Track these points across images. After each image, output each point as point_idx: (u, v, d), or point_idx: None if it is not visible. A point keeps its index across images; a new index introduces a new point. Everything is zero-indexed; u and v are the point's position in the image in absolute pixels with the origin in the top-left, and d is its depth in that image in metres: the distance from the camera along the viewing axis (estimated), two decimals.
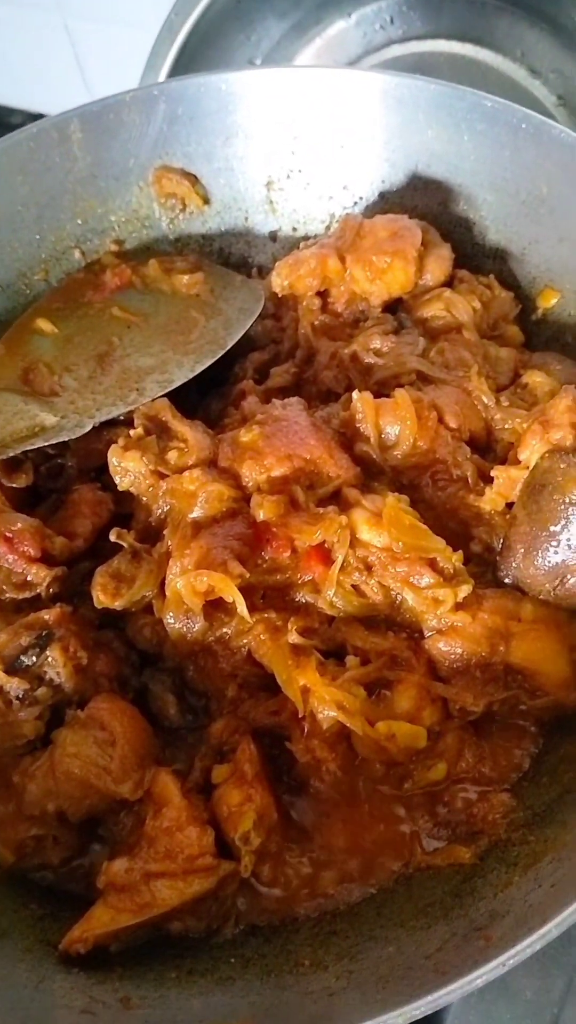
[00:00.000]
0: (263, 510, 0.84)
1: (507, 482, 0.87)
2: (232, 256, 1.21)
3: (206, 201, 1.17)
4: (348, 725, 0.80)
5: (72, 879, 0.85)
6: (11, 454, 0.94)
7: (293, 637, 0.83)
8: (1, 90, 2.02)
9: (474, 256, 1.09)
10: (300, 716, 0.82)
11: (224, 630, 0.85)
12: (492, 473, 0.87)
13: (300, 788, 0.85)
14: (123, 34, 1.69)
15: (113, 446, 0.91)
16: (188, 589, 0.82)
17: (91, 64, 1.86)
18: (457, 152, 1.04)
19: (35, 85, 1.98)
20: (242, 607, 0.80)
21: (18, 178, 1.09)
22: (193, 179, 1.15)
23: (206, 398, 1.06)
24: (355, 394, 0.91)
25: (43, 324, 1.07)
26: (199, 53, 1.45)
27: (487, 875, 0.77)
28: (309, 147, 1.12)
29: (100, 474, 0.99)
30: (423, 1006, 0.60)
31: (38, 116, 2.00)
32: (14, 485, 0.96)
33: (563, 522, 0.82)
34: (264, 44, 1.44)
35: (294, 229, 1.19)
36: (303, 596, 0.86)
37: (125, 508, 0.96)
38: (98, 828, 0.85)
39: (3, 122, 2.09)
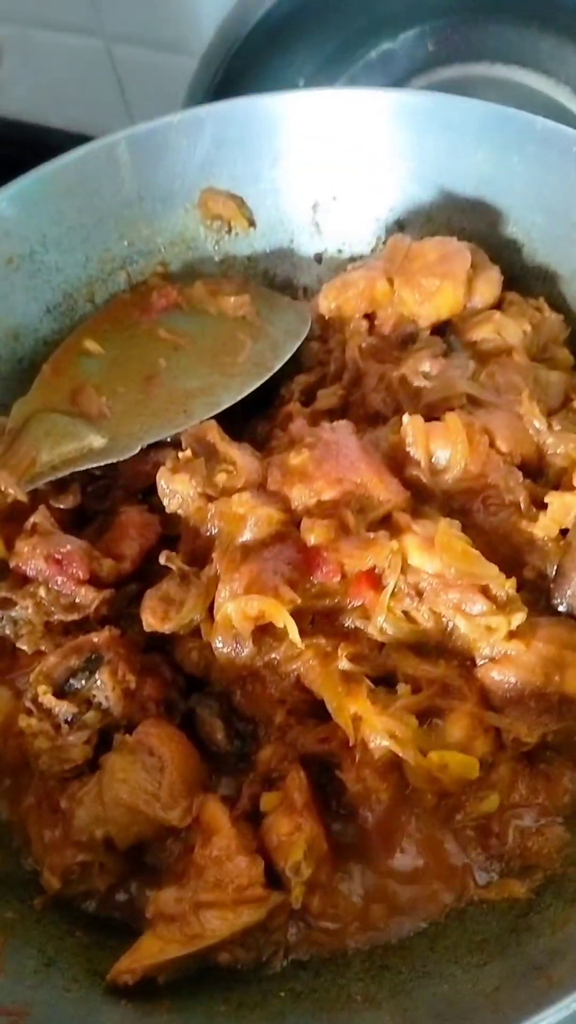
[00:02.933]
0: (314, 534, 0.83)
1: (561, 508, 0.85)
2: (277, 277, 1.21)
3: (252, 223, 1.17)
4: (400, 755, 0.79)
5: (117, 907, 0.84)
6: (61, 475, 0.94)
7: (343, 663, 0.82)
8: (42, 111, 2.04)
9: (523, 278, 1.08)
10: (351, 744, 0.80)
11: (273, 655, 0.85)
12: (546, 499, 0.86)
13: (349, 817, 0.84)
14: (165, 58, 1.71)
15: (162, 468, 0.91)
16: (239, 614, 0.81)
17: (132, 87, 1.87)
18: (507, 174, 1.04)
19: (76, 107, 1.99)
20: (294, 633, 0.80)
21: (66, 200, 1.10)
22: (239, 201, 1.15)
23: (252, 420, 1.06)
24: (405, 417, 0.90)
25: (91, 345, 1.08)
26: (242, 77, 1.46)
27: (544, 911, 0.75)
28: (356, 169, 1.12)
29: (147, 495, 0.99)
30: None
31: (78, 137, 2.02)
32: (62, 506, 0.97)
33: None
34: (307, 68, 1.45)
35: (339, 251, 1.19)
36: (353, 621, 0.85)
37: (172, 530, 0.95)
38: (144, 856, 0.84)
39: (43, 142, 2.10)
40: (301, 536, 0.85)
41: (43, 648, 0.88)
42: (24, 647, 0.88)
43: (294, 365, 1.07)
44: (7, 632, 0.89)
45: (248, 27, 1.41)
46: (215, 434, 0.94)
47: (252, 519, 0.86)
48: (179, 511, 0.91)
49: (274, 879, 0.79)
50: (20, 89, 2.03)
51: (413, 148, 1.08)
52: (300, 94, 1.10)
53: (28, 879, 0.85)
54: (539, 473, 0.93)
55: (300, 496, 0.87)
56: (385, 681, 0.84)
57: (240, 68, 1.46)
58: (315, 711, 0.85)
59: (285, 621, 0.80)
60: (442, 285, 1.00)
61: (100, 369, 1.06)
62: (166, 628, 0.86)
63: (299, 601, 0.81)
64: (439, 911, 0.80)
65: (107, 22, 1.75)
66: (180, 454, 0.92)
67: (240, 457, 0.91)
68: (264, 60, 1.45)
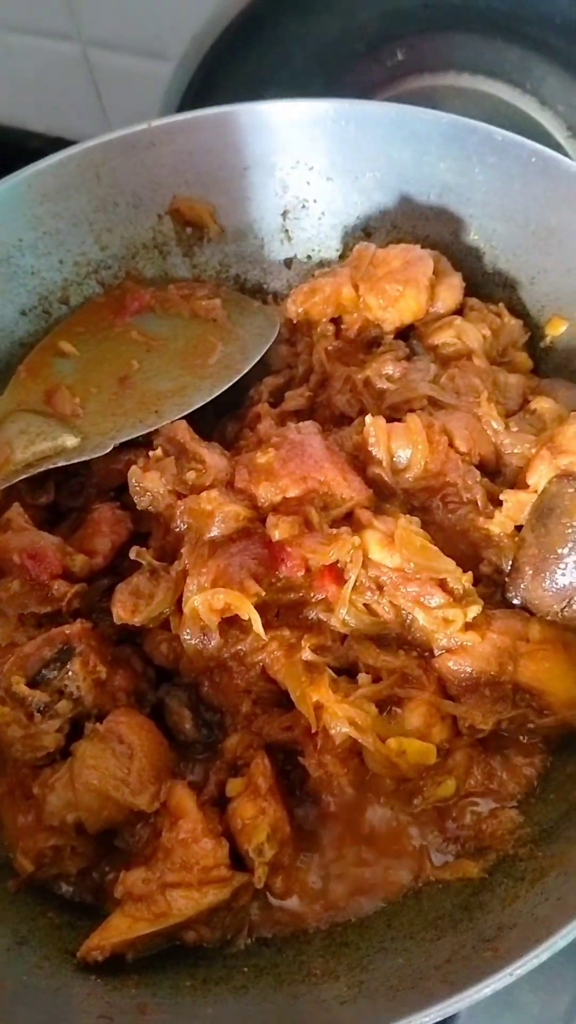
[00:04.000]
0: (278, 530, 0.86)
1: (516, 505, 0.89)
2: (248, 282, 1.24)
3: (223, 229, 1.20)
4: (360, 741, 0.82)
5: (87, 890, 0.87)
6: (35, 473, 0.97)
7: (307, 654, 0.85)
8: (21, 115, 2.06)
9: (484, 285, 1.11)
10: (313, 732, 0.84)
11: (239, 647, 0.88)
12: (501, 497, 0.90)
13: (312, 802, 0.88)
14: (142, 62, 1.73)
15: (133, 467, 0.94)
16: (205, 606, 0.84)
17: (109, 91, 1.89)
18: (469, 184, 1.08)
19: (54, 110, 2.01)
20: (258, 625, 0.83)
21: (42, 206, 1.12)
22: (211, 208, 1.18)
23: (222, 420, 1.09)
24: (368, 418, 0.93)
25: (65, 346, 1.10)
26: (217, 83, 1.49)
27: (495, 889, 0.78)
28: (324, 178, 1.16)
29: (119, 493, 1.02)
30: (432, 1014, 0.62)
31: (57, 140, 2.05)
32: (37, 503, 0.99)
33: (571, 545, 0.84)
34: (281, 75, 1.47)
35: (308, 256, 1.22)
36: (316, 614, 0.88)
37: (142, 527, 0.98)
38: (114, 839, 0.87)
39: (22, 146, 2.12)
40: (267, 532, 0.87)
41: (16, 640, 0.90)
42: None
43: (263, 367, 1.10)
44: None
45: (222, 34, 1.44)
46: (185, 434, 0.96)
47: (220, 515, 0.89)
48: (150, 508, 0.94)
49: (238, 861, 0.82)
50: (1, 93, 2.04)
51: (379, 157, 1.11)
52: (270, 105, 1.12)
53: (1, 863, 0.87)
54: (497, 472, 0.96)
55: (266, 493, 0.90)
56: (347, 671, 0.88)
57: (215, 75, 1.49)
58: (279, 700, 0.88)
59: (250, 613, 0.83)
60: (405, 291, 1.03)
61: (74, 370, 1.08)
62: (136, 621, 0.89)
63: (263, 594, 0.84)
64: (397, 891, 0.83)
65: (84, 27, 1.76)
66: (151, 453, 0.94)
67: (209, 456, 0.94)
68: (238, 67, 1.48)
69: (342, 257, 1.20)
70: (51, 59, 1.89)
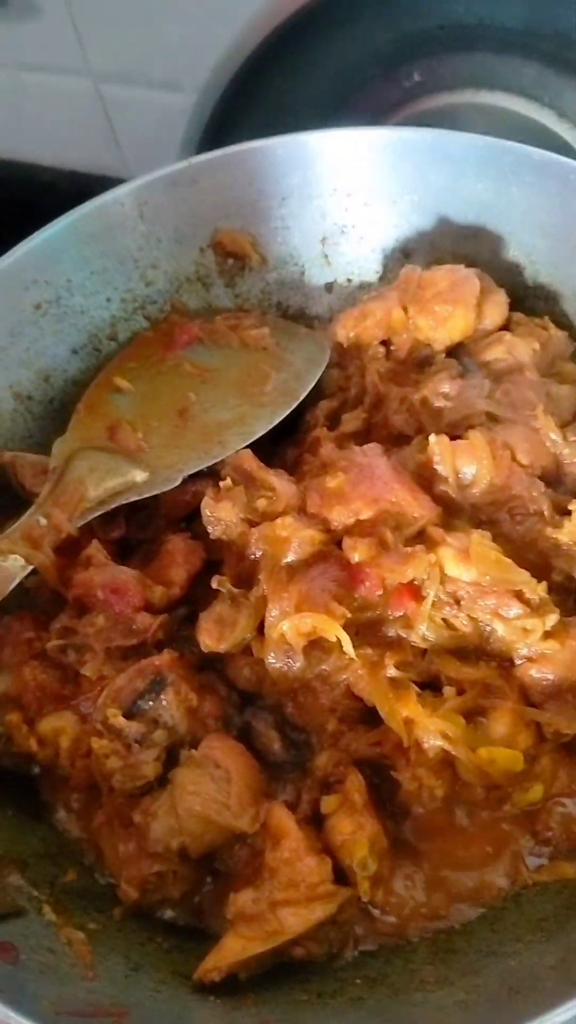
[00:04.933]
0: (357, 552, 0.89)
1: None
2: (290, 308, 1.27)
3: (264, 259, 1.23)
4: (453, 752, 0.84)
5: (189, 913, 0.90)
6: (108, 509, 1.00)
7: (391, 671, 0.87)
8: (34, 150, 2.09)
9: (526, 299, 1.14)
10: (405, 746, 0.86)
11: (323, 667, 0.90)
12: (570, 507, 0.92)
13: (403, 814, 0.90)
14: (154, 95, 1.76)
15: (206, 498, 0.96)
16: (293, 631, 0.87)
17: (122, 124, 1.92)
18: (506, 202, 1.11)
19: (67, 145, 2.04)
20: (348, 645, 0.85)
21: (89, 247, 1.15)
22: (252, 239, 1.21)
23: (280, 446, 1.11)
24: (432, 437, 0.96)
25: (120, 382, 1.13)
26: (237, 114, 1.52)
27: None
28: (362, 203, 1.19)
29: (189, 523, 1.04)
30: (561, 1012, 0.64)
31: (71, 173, 2.08)
32: (110, 538, 1.02)
33: None
34: (300, 102, 1.51)
35: (349, 280, 1.25)
36: (395, 631, 0.90)
37: (214, 555, 1.01)
38: (213, 863, 0.89)
39: (35, 180, 2.16)
40: (343, 554, 0.90)
41: (105, 673, 0.93)
42: (88, 673, 0.93)
43: (316, 392, 1.12)
44: (71, 660, 0.94)
45: (242, 64, 1.47)
46: (252, 462, 0.99)
47: (296, 541, 0.91)
48: (223, 536, 0.96)
49: (340, 877, 0.84)
50: (10, 129, 2.07)
51: (416, 181, 1.15)
52: (305, 136, 1.15)
53: (104, 892, 0.90)
54: (558, 482, 0.98)
55: (339, 517, 0.92)
56: (429, 685, 0.90)
57: (236, 104, 1.53)
58: (364, 717, 0.91)
59: (338, 634, 0.85)
60: (454, 311, 1.06)
61: (132, 405, 1.10)
62: (222, 648, 0.91)
63: (349, 615, 0.86)
64: (496, 896, 0.85)
65: (95, 62, 1.80)
66: (222, 483, 0.97)
67: (278, 483, 0.96)
68: (259, 96, 1.52)
69: (382, 279, 1.23)
70: (63, 94, 1.92)
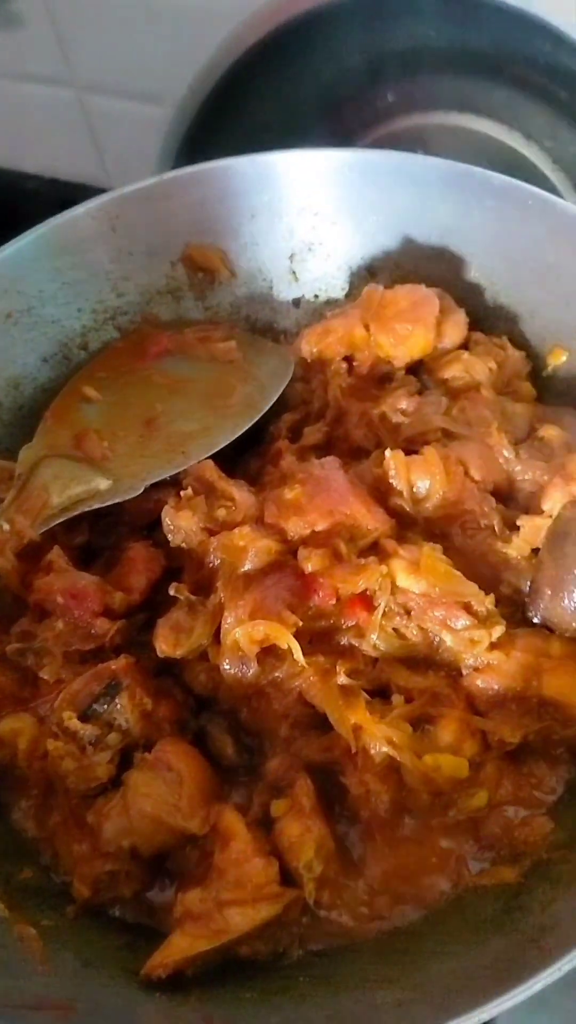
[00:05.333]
0: (311, 563, 0.91)
1: (532, 530, 0.94)
2: (258, 322, 1.29)
3: (233, 273, 1.25)
4: (398, 759, 0.87)
5: (141, 912, 0.91)
6: (71, 515, 1.02)
7: (342, 679, 0.89)
8: (18, 158, 2.11)
9: (486, 319, 1.17)
10: (353, 752, 0.88)
11: (276, 674, 0.92)
12: (518, 522, 0.95)
13: (350, 819, 0.92)
14: (136, 106, 1.78)
15: (166, 507, 0.98)
16: (246, 638, 0.89)
17: (104, 134, 1.94)
18: (469, 225, 1.13)
19: (50, 153, 2.06)
20: (298, 653, 0.87)
21: (61, 258, 1.17)
22: (222, 254, 1.23)
23: (243, 457, 1.13)
24: (388, 452, 0.98)
25: (89, 392, 1.14)
26: (214, 128, 1.55)
27: (533, 892, 0.83)
28: (329, 222, 1.21)
29: (150, 531, 1.06)
30: (489, 1010, 0.67)
31: (52, 181, 2.10)
32: (72, 544, 1.04)
33: None
34: (276, 119, 1.54)
35: (316, 296, 1.28)
36: (347, 640, 0.92)
37: (174, 563, 1.03)
38: (164, 863, 0.91)
39: (19, 187, 2.18)
40: (299, 564, 0.92)
41: (63, 676, 0.95)
42: (46, 676, 0.95)
43: (280, 405, 1.15)
44: (30, 663, 0.96)
45: (218, 81, 1.50)
46: (213, 473, 1.01)
47: (253, 550, 0.94)
48: (183, 545, 0.98)
49: (286, 878, 0.86)
50: None
51: (381, 202, 1.17)
52: (274, 155, 1.18)
53: (59, 890, 0.91)
54: (510, 498, 1.01)
55: (295, 528, 0.94)
56: (380, 693, 0.92)
57: (213, 119, 1.55)
58: (316, 723, 0.92)
59: (289, 643, 0.87)
60: (414, 329, 1.09)
61: (100, 414, 1.12)
62: (178, 653, 0.93)
63: (301, 624, 0.88)
64: (438, 898, 0.87)
65: (79, 73, 1.82)
66: (183, 493, 0.99)
67: (238, 493, 0.98)
68: (235, 112, 1.54)
69: (348, 296, 1.26)
70: (46, 104, 1.93)
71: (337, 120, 1.54)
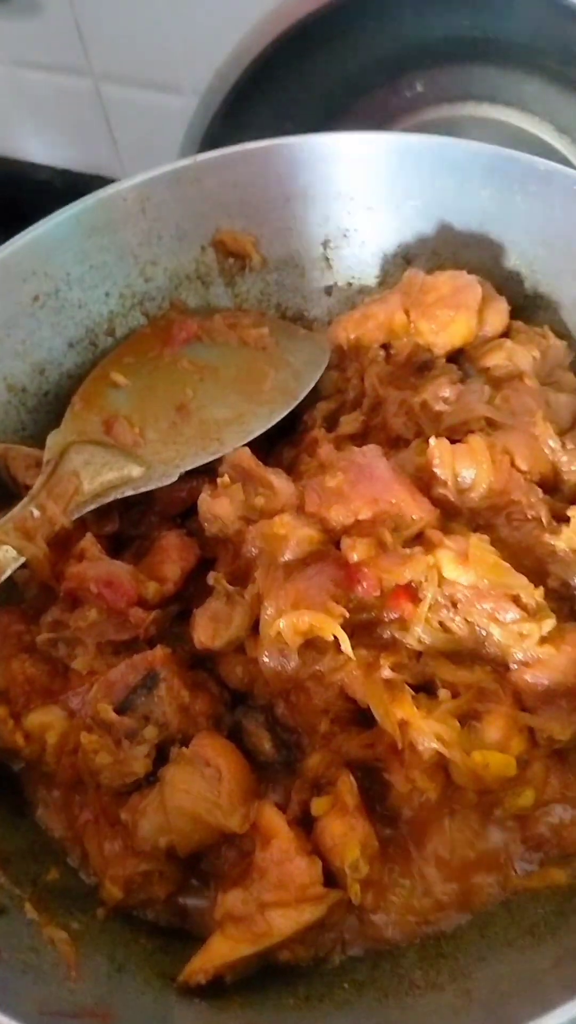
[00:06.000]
0: (356, 552, 0.88)
1: None
2: (289, 310, 1.26)
3: (264, 260, 1.22)
4: (447, 755, 0.83)
5: (174, 915, 0.88)
6: (104, 503, 0.98)
7: (386, 672, 0.86)
8: (30, 148, 2.08)
9: (526, 308, 1.14)
10: (399, 748, 0.85)
11: (317, 667, 0.88)
12: (568, 512, 0.92)
13: (394, 818, 0.89)
14: (153, 97, 1.76)
15: (202, 495, 0.96)
16: (290, 629, 0.85)
17: (120, 125, 1.91)
18: (510, 211, 1.11)
19: (64, 144, 2.03)
20: (346, 644, 0.84)
21: (89, 240, 1.14)
22: (253, 240, 1.20)
23: (276, 446, 1.11)
24: (432, 440, 0.95)
25: (117, 377, 1.12)
26: (237, 119, 1.52)
27: None
28: (365, 208, 1.18)
29: (183, 520, 1.04)
30: (558, 1016, 0.64)
31: (65, 172, 2.07)
32: (103, 532, 1.01)
33: None
34: (301, 109, 1.51)
35: (349, 284, 1.25)
36: (391, 633, 0.89)
37: (208, 552, 1.00)
38: (200, 864, 0.88)
39: (30, 178, 2.15)
40: (341, 554, 0.89)
41: (96, 668, 0.92)
42: (78, 667, 0.92)
43: (314, 394, 1.12)
44: (61, 653, 0.93)
45: (246, 69, 1.48)
46: (250, 460, 0.98)
47: (293, 539, 0.91)
48: (219, 534, 0.96)
49: (329, 879, 0.83)
50: (6, 126, 2.07)
51: (420, 187, 1.14)
52: (311, 138, 1.15)
53: (88, 892, 0.89)
54: (556, 489, 0.98)
55: (338, 516, 0.91)
56: (424, 688, 0.89)
57: (237, 110, 1.53)
58: (357, 719, 0.90)
59: (336, 633, 0.84)
60: (456, 316, 1.06)
61: (129, 400, 1.10)
62: (216, 645, 0.90)
63: (347, 615, 0.85)
64: (485, 901, 0.84)
65: (95, 62, 1.79)
66: (219, 480, 0.96)
67: (277, 481, 0.96)
68: (261, 101, 1.51)
69: (381, 284, 1.23)
70: (62, 93, 1.91)
71: (365, 110, 1.52)
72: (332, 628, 0.84)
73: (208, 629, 0.90)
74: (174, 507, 1.04)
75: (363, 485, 0.93)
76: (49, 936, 0.81)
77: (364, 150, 1.14)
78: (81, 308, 1.17)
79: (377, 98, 1.51)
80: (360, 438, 1.06)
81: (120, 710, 0.87)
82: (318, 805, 0.86)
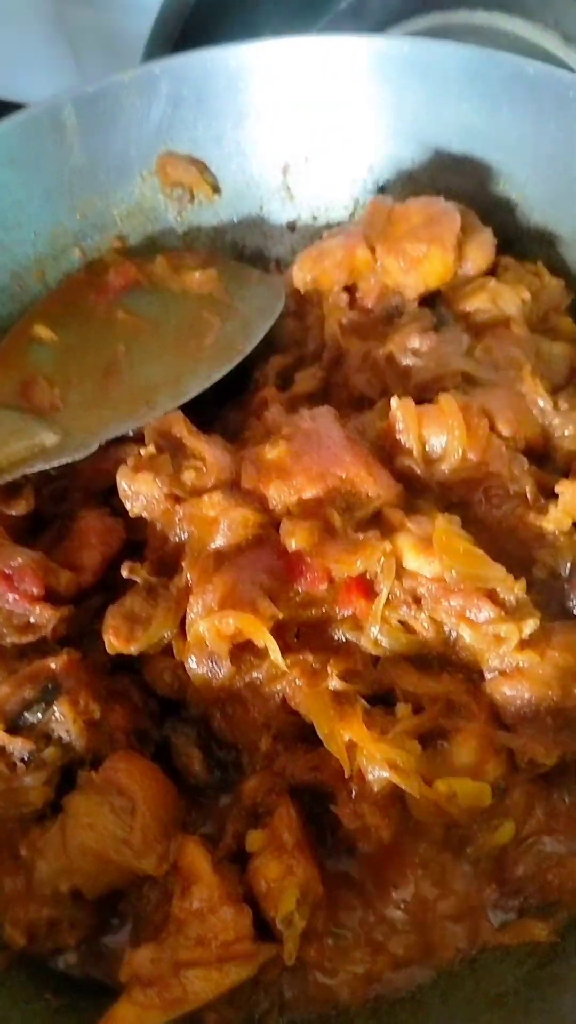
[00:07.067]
0: (295, 538, 0.76)
1: (573, 498, 0.78)
2: (247, 249, 1.13)
3: (216, 190, 1.09)
4: (402, 787, 0.71)
5: (88, 962, 0.77)
6: (9, 479, 0.85)
7: (334, 682, 0.75)
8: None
9: (518, 241, 1.01)
10: (347, 776, 0.72)
11: (254, 674, 0.77)
12: (556, 488, 0.80)
13: (346, 852, 0.77)
14: (119, 19, 1.62)
15: (122, 467, 0.83)
16: (213, 632, 0.74)
17: (87, 52, 1.78)
18: (495, 126, 0.97)
19: (29, 77, 1.90)
20: (275, 654, 0.72)
21: (10, 172, 1.01)
22: (202, 166, 1.07)
23: (223, 408, 0.99)
24: (394, 401, 0.83)
25: (41, 331, 1.00)
26: (202, 32, 1.36)
27: (570, 958, 0.68)
28: (329, 126, 1.04)
29: (109, 497, 0.91)
30: None
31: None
32: (13, 512, 0.88)
33: None
34: (274, 20, 1.35)
35: (314, 217, 1.12)
36: (343, 633, 0.78)
37: (137, 535, 0.87)
38: (118, 903, 0.77)
39: None
40: (281, 540, 0.77)
41: None
42: None
43: (268, 346, 1.00)
44: None
45: None
46: (182, 427, 0.86)
47: (225, 522, 0.79)
48: (144, 514, 0.83)
49: (263, 926, 0.71)
50: None
51: (392, 101, 1.00)
52: (264, 44, 1.01)
53: None
54: (546, 459, 0.87)
55: (278, 494, 0.79)
56: (382, 700, 0.77)
57: (200, 23, 1.37)
58: (304, 734, 0.78)
59: (265, 640, 0.72)
60: (429, 251, 0.93)
61: (52, 358, 0.98)
62: (132, 649, 0.78)
63: (280, 615, 0.74)
64: (450, 958, 0.73)
65: None
66: (143, 450, 0.83)
67: (210, 452, 0.83)
68: (225, 18, 1.35)
69: (353, 217, 1.10)
70: (23, 19, 1.78)
71: (345, 20, 1.35)
72: (261, 633, 0.73)
73: (122, 630, 0.78)
74: (99, 482, 0.92)
75: (309, 456, 0.80)
76: None
77: (325, 57, 1.00)
78: (4, 251, 1.05)
79: (360, 5, 1.34)
80: (319, 398, 0.95)
81: (13, 729, 0.75)
82: (252, 840, 0.75)
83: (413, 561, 0.75)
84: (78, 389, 0.93)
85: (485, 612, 0.74)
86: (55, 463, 0.87)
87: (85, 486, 0.92)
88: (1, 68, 1.91)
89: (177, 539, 0.82)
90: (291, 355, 1.00)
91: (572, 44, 1.28)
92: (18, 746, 0.74)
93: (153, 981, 0.68)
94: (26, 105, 1.94)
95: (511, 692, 0.74)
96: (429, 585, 0.75)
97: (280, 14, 1.37)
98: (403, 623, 0.77)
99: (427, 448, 0.82)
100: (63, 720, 0.75)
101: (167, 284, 1.03)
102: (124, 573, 0.79)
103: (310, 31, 1.37)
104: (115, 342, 0.98)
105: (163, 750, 0.82)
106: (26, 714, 0.75)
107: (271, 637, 0.72)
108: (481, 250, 0.95)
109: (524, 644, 0.74)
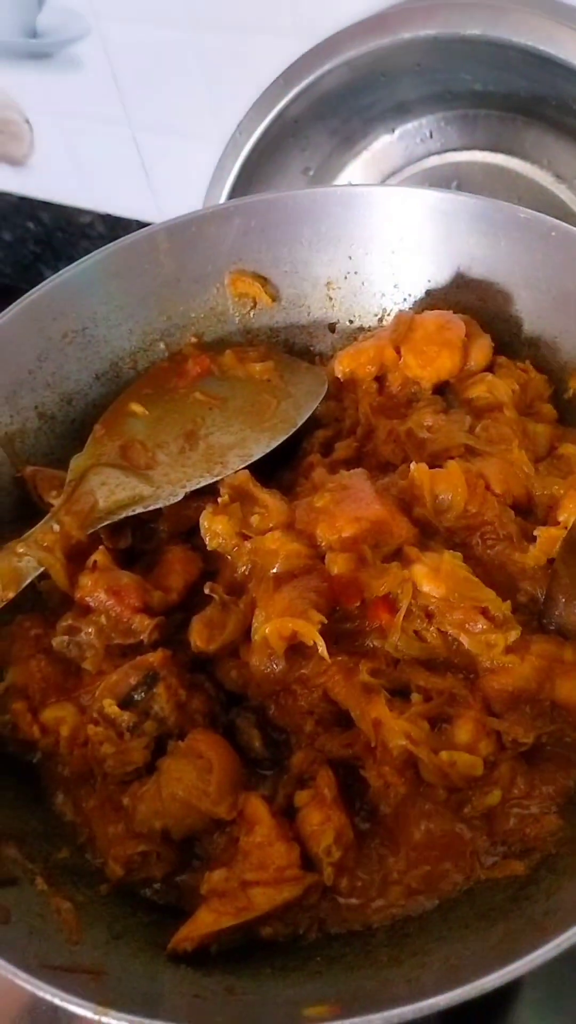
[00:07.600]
0: (336, 566, 0.96)
1: (548, 540, 0.98)
2: (296, 345, 1.35)
3: (274, 299, 1.32)
4: (415, 753, 0.91)
5: (169, 894, 0.96)
6: (116, 519, 1.08)
7: (364, 677, 0.94)
8: (73, 192, 2.22)
9: (511, 344, 1.22)
10: (372, 746, 0.92)
11: (303, 671, 0.97)
12: (535, 532, 0.99)
13: (371, 813, 0.96)
14: (186, 145, 1.88)
15: (204, 512, 1.04)
16: (274, 634, 0.94)
17: (156, 171, 2.03)
18: (495, 256, 1.19)
19: (105, 189, 2.16)
20: (323, 648, 0.92)
21: (114, 283, 1.25)
22: (263, 280, 1.30)
23: (278, 470, 1.19)
24: (412, 465, 1.03)
25: (135, 407, 1.22)
26: (259, 166, 1.63)
27: (539, 883, 0.86)
28: (364, 253, 1.27)
29: (189, 536, 1.12)
30: (492, 981, 0.71)
31: (106, 216, 2.21)
32: (117, 547, 1.11)
33: None
34: (317, 156, 1.61)
35: (350, 321, 1.34)
36: (371, 641, 0.97)
37: (210, 566, 1.09)
38: (194, 847, 0.96)
39: (73, 222, 2.29)
40: (326, 568, 0.97)
41: (104, 669, 1.01)
42: (88, 667, 1.01)
43: (313, 422, 1.21)
44: (74, 655, 1.03)
45: (267, 122, 1.59)
46: (249, 482, 1.07)
47: (283, 554, 0.99)
48: (218, 548, 1.04)
49: (308, 864, 0.90)
50: (52, 172, 2.21)
51: (414, 235, 1.23)
52: (314, 191, 1.26)
53: (94, 871, 0.97)
54: (529, 511, 1.05)
55: (324, 533, 0.99)
56: (400, 693, 0.96)
57: (258, 158, 1.63)
58: (340, 720, 0.97)
59: (315, 638, 0.92)
60: (441, 352, 1.14)
61: (145, 427, 1.19)
62: (211, 648, 0.99)
63: (326, 621, 0.93)
64: (451, 889, 0.91)
65: (134, 114, 1.93)
66: (219, 499, 1.05)
67: (271, 501, 1.04)
68: (279, 151, 1.62)
69: (380, 321, 1.32)
70: (102, 142, 2.04)
71: (375, 158, 1.62)
72: (311, 633, 0.93)
73: (204, 633, 0.99)
74: (182, 525, 1.13)
75: (347, 504, 1.01)
76: (56, 906, 0.89)
77: (361, 202, 1.23)
78: (106, 344, 1.27)
79: (388, 146, 1.61)
80: (353, 463, 1.14)
81: (123, 706, 0.96)
82: (300, 797, 0.94)
83: (426, 586, 0.94)
84: (166, 451, 1.15)
85: (480, 624, 0.92)
86: (150, 508, 1.09)
87: (170, 528, 1.13)
88: (80, 180, 2.20)
89: (244, 568, 1.02)
90: (331, 429, 1.20)
91: (562, 181, 1.54)
92: (126, 719, 0.95)
93: (226, 893, 0.87)
94: (99, 212, 2.23)
95: (499, 686, 0.92)
96: (438, 603, 0.93)
97: (322, 151, 1.64)
98: (417, 633, 0.95)
99: (437, 501, 1.02)
100: (159, 700, 0.95)
101: (234, 372, 1.25)
102: (206, 591, 1.00)
103: (348, 165, 1.65)
104: (194, 416, 1.19)
105: (228, 732, 1.00)
106: (132, 695, 0.95)
107: (320, 636, 0.91)
108: (482, 351, 1.16)
109: (509, 649, 0.92)
